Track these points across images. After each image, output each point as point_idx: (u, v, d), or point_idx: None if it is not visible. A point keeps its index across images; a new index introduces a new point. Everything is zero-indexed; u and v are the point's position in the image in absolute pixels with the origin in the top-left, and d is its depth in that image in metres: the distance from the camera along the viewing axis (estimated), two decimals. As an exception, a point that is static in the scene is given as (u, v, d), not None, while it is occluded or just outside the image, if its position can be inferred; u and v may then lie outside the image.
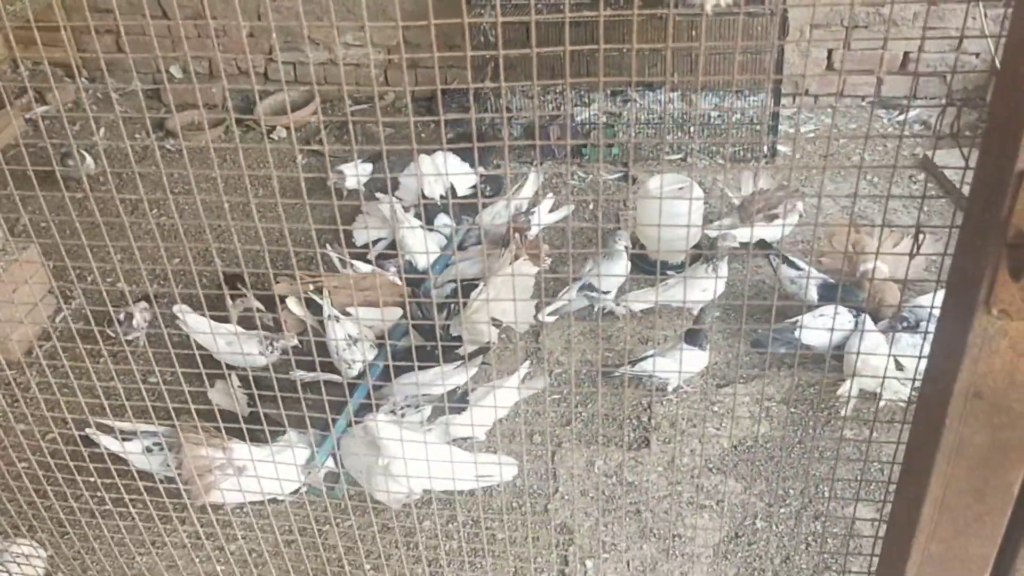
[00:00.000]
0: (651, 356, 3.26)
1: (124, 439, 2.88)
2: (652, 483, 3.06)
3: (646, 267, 3.93)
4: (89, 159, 4.53)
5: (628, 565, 2.83)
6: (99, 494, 2.28)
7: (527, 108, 4.85)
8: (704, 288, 3.50)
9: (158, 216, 4.36)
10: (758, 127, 4.58)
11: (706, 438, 3.21)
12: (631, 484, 3.06)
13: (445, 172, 4.15)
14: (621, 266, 3.61)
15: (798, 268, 3.59)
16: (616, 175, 4.62)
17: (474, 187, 4.27)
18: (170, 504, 2.35)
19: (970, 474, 0.83)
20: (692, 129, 4.69)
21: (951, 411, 0.80)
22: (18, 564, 2.67)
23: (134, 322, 3.50)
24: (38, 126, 4.99)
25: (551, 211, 4.11)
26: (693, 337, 3.26)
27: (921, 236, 1.43)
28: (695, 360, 3.27)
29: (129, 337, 3.48)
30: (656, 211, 3.62)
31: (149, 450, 2.86)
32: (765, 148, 4.60)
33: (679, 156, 4.70)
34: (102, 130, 4.96)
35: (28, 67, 5.48)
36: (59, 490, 2.32)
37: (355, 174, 4.15)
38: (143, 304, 3.56)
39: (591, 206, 4.39)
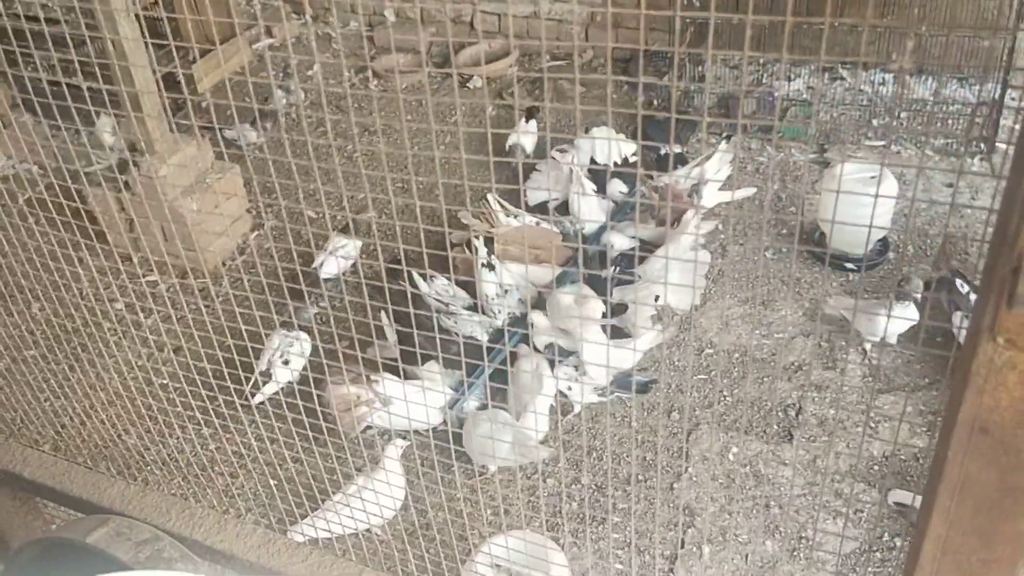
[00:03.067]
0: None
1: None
2: (788, 479, 2.93)
3: (823, 256, 3.72)
4: (301, 93, 4.85)
5: (747, 559, 2.75)
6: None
7: (726, 78, 4.68)
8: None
9: (350, 153, 4.60)
10: (978, 119, 4.16)
11: (855, 443, 3.03)
12: (765, 477, 2.95)
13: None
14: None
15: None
16: (809, 156, 4.37)
17: (659, 158, 4.18)
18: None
19: (976, 516, 0.74)
20: (902, 115, 4.34)
21: (954, 444, 0.71)
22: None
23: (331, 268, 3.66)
24: (263, 57, 5.38)
25: (723, 187, 3.96)
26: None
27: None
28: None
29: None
30: (840, 200, 3.40)
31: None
32: (981, 144, 4.18)
33: (882, 143, 4.38)
34: (316, 65, 5.28)
35: (260, 1, 5.91)
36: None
37: (532, 131, 4.19)
38: (342, 242, 3.65)
39: (774, 188, 4.19)
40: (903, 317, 2.99)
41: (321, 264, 3.59)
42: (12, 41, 1.98)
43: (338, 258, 3.57)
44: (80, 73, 2.38)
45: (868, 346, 3.33)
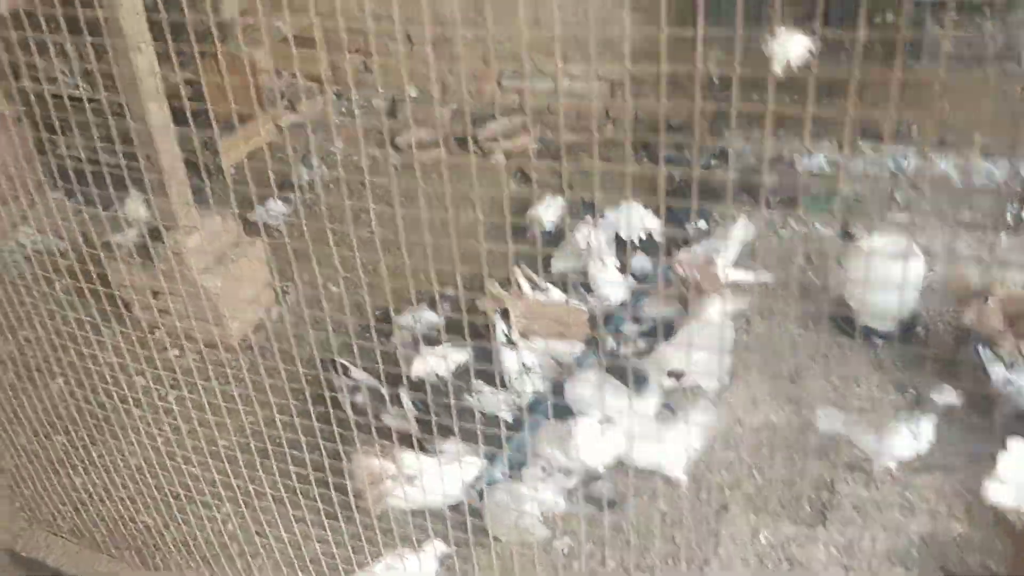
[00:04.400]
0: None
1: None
2: (822, 564, 2.83)
3: (851, 330, 3.67)
4: (324, 167, 4.91)
5: (782, 648, 2.64)
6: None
7: (746, 149, 4.70)
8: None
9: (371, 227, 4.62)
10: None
11: (892, 526, 2.93)
12: (798, 561, 2.86)
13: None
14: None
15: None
16: (833, 231, 4.35)
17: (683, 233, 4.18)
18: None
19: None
20: (924, 190, 4.33)
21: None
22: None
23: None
24: (284, 132, 5.47)
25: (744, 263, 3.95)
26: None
27: None
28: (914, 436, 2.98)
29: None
30: (868, 271, 3.37)
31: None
32: (1009, 216, 4.16)
33: (906, 218, 4.36)
34: (340, 141, 5.35)
35: (287, 78, 6.04)
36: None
37: (554, 207, 4.21)
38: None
39: (799, 261, 4.16)
40: (914, 440, 2.94)
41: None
42: (44, 116, 2.01)
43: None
44: (108, 152, 2.42)
45: (877, 467, 3.09)
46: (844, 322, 3.70)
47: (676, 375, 3.31)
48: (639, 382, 3.22)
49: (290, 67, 5.74)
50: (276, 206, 4.67)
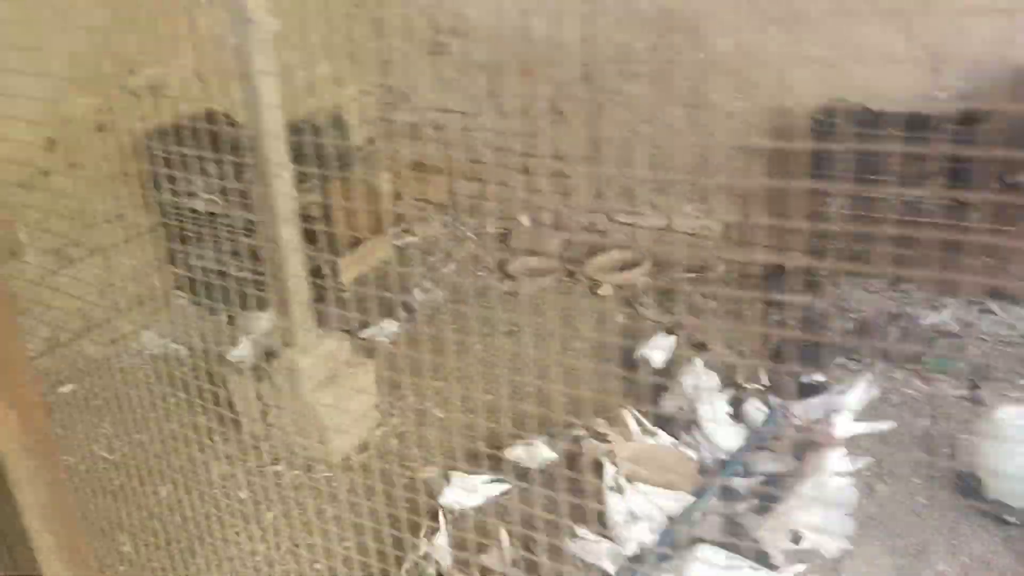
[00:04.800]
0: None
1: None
2: None
3: (981, 503, 3.42)
4: (438, 292, 5.01)
5: None
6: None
7: (865, 302, 4.57)
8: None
9: (478, 353, 4.66)
10: None
11: None
12: None
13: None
14: None
15: None
16: (960, 392, 4.14)
17: (799, 384, 4.05)
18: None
19: None
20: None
21: None
22: None
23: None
24: (402, 253, 5.64)
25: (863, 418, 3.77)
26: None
27: None
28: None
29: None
30: (1001, 445, 3.17)
31: None
32: None
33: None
34: (453, 264, 5.47)
35: (407, 201, 6.27)
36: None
37: (663, 346, 4.15)
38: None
39: (923, 423, 3.95)
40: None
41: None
42: (179, 227, 2.10)
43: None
44: (236, 267, 2.51)
45: None
46: (973, 494, 3.46)
47: (795, 539, 3.13)
48: (760, 559, 3.06)
49: (410, 191, 5.97)
50: (389, 326, 4.75)
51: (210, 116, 3.96)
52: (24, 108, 1.84)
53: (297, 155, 3.60)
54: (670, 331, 4.38)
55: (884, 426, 3.79)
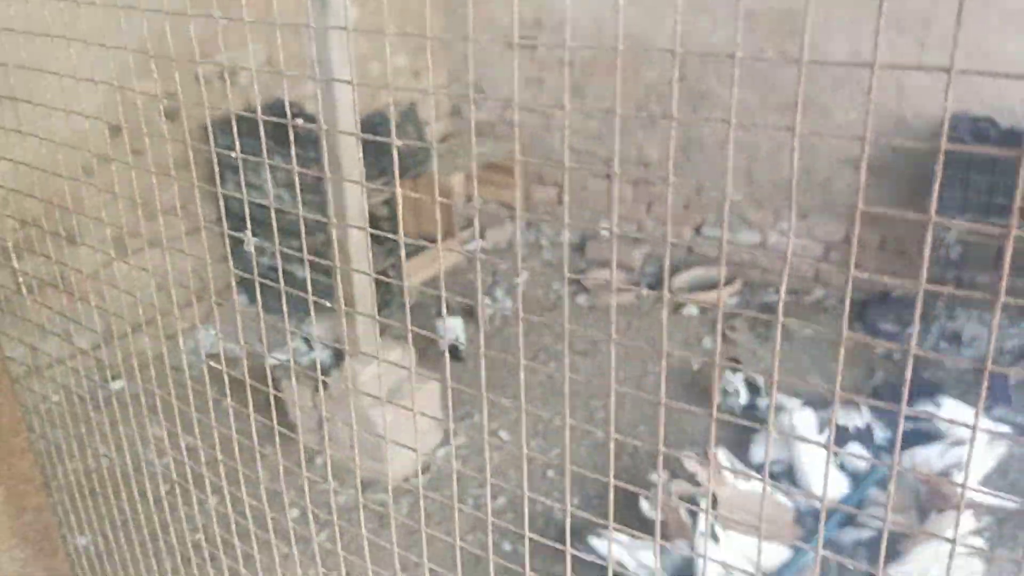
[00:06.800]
0: None
1: None
2: None
3: None
4: (508, 301, 4.69)
5: None
6: None
7: (983, 337, 4.11)
8: None
9: (544, 363, 4.33)
10: None
11: None
12: None
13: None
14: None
15: None
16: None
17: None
18: None
19: None
20: None
21: None
22: None
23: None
24: (472, 259, 5.33)
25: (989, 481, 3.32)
26: None
27: None
28: None
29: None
30: None
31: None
32: None
33: None
34: (526, 273, 5.14)
35: (480, 203, 5.97)
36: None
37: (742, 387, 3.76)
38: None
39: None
40: None
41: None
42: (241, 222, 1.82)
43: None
44: (301, 266, 2.23)
45: None
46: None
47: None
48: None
49: (484, 193, 5.67)
50: (455, 337, 4.45)
51: (281, 107, 3.71)
52: (88, 93, 1.62)
53: (367, 151, 3.33)
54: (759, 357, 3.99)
55: (1013, 505, 3.33)
